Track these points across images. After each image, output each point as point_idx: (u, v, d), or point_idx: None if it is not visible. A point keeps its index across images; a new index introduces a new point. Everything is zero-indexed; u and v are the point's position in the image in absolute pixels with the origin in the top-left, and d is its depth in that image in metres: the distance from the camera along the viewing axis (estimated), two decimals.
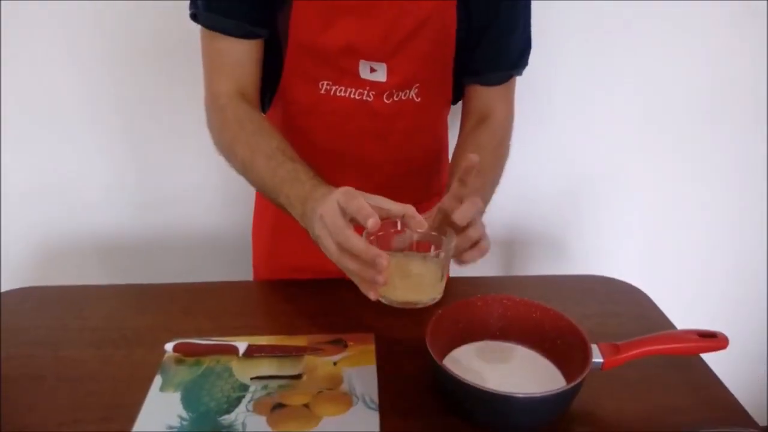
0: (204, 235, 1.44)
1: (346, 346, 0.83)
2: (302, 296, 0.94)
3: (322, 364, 0.80)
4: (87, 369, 0.79)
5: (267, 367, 0.79)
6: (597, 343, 0.73)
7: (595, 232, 1.49)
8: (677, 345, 0.71)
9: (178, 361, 0.80)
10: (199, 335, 0.84)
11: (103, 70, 1.26)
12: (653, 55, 1.31)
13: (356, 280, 0.67)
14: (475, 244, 0.73)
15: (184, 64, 1.22)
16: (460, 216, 0.69)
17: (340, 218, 0.65)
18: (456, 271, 1.16)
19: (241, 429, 0.69)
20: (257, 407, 0.72)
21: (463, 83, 0.98)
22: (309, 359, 0.80)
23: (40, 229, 1.41)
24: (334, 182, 0.97)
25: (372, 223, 0.62)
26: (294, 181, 0.76)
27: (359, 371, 0.78)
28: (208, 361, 0.80)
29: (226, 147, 0.86)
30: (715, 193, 1.46)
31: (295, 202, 0.75)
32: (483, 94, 0.97)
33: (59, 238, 1.41)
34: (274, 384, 0.76)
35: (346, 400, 0.74)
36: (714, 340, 0.70)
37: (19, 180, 1.35)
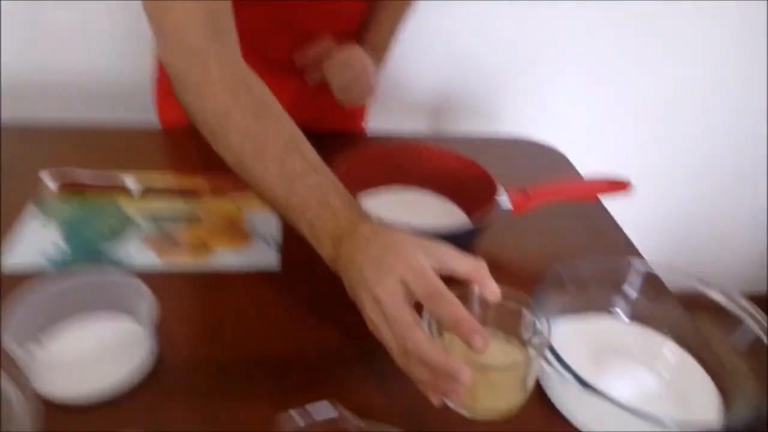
0: (99, 79, 1.32)
1: (249, 188, 0.78)
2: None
3: (222, 205, 0.75)
4: None
5: (160, 204, 0.74)
6: (507, 190, 0.72)
7: (527, 99, 1.47)
8: (584, 190, 0.70)
9: (61, 193, 0.74)
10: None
11: None
12: None
13: (420, 386, 0.48)
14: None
15: None
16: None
17: (406, 311, 0.46)
18: (378, 126, 1.12)
19: (126, 260, 0.65)
20: (146, 241, 0.68)
21: None
22: (208, 200, 0.76)
23: None
24: (275, 46, 0.88)
25: (481, 343, 0.43)
26: (322, 208, 0.55)
27: (261, 212, 0.74)
28: (94, 196, 0.74)
29: (211, 124, 0.60)
30: (648, 65, 1.46)
31: (324, 238, 0.54)
32: None
33: None
34: (168, 222, 0.71)
35: (244, 238, 0.70)
36: (620, 185, 0.69)
37: None
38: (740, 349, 0.56)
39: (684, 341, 0.61)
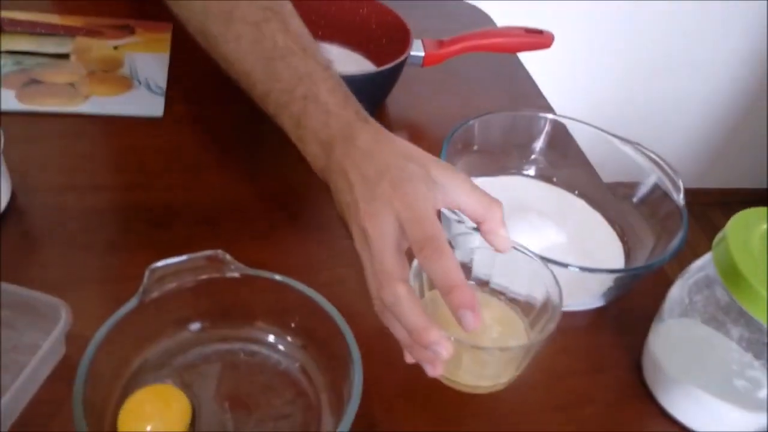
0: None
1: (133, 32, 0.69)
2: None
3: (98, 46, 0.65)
4: None
5: (24, 43, 0.63)
6: (422, 39, 0.66)
7: None
8: (503, 39, 0.65)
9: None
10: None
11: None
12: None
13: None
14: None
15: None
16: None
17: (393, 258, 0.37)
18: None
19: None
20: (5, 81, 0.58)
21: None
22: (81, 40, 0.66)
23: None
24: None
25: (472, 322, 0.34)
26: (310, 103, 0.43)
27: (146, 57, 0.65)
28: None
29: None
30: None
31: (312, 142, 0.43)
32: None
33: None
34: (30, 61, 0.61)
35: (124, 83, 0.61)
36: (539, 36, 0.65)
37: None
38: (646, 203, 0.55)
39: (592, 199, 0.59)
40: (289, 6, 0.48)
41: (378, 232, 0.38)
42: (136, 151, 0.55)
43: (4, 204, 0.46)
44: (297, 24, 0.47)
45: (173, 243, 0.48)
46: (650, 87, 1.68)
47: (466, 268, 0.44)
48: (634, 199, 0.56)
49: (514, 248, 0.42)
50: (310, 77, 0.44)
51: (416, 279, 0.40)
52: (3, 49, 0.62)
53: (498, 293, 0.44)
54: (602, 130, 0.58)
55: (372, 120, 0.43)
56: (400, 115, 0.68)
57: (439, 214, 0.39)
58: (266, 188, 0.55)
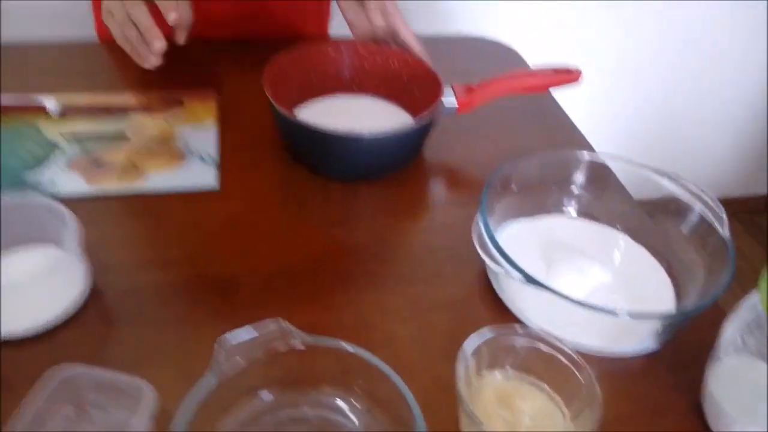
0: None
1: (181, 103, 0.73)
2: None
3: (151, 122, 0.70)
4: None
5: (85, 125, 0.68)
6: (451, 85, 0.68)
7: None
8: (532, 80, 0.67)
9: None
10: None
11: None
12: None
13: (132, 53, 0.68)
14: None
15: None
16: None
17: None
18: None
19: (51, 187, 0.60)
20: (72, 165, 0.63)
21: None
22: (135, 118, 0.70)
23: None
24: None
25: (175, 18, 0.62)
26: None
27: (196, 128, 0.69)
28: (9, 121, 0.68)
29: None
30: None
31: None
32: None
33: None
34: (92, 143, 0.66)
35: (178, 156, 0.66)
36: (567, 74, 0.66)
37: None
38: (691, 235, 0.56)
39: (636, 234, 0.60)
40: None
41: None
42: (196, 224, 0.59)
43: (87, 289, 0.50)
44: None
45: (237, 312, 0.51)
46: (692, 93, 1.66)
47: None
48: (680, 231, 0.57)
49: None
50: None
51: (473, 358, 0.43)
52: (68, 135, 0.66)
53: (539, 384, 0.44)
54: (640, 164, 0.59)
55: None
56: (438, 161, 0.70)
57: None
58: (312, 250, 0.57)
